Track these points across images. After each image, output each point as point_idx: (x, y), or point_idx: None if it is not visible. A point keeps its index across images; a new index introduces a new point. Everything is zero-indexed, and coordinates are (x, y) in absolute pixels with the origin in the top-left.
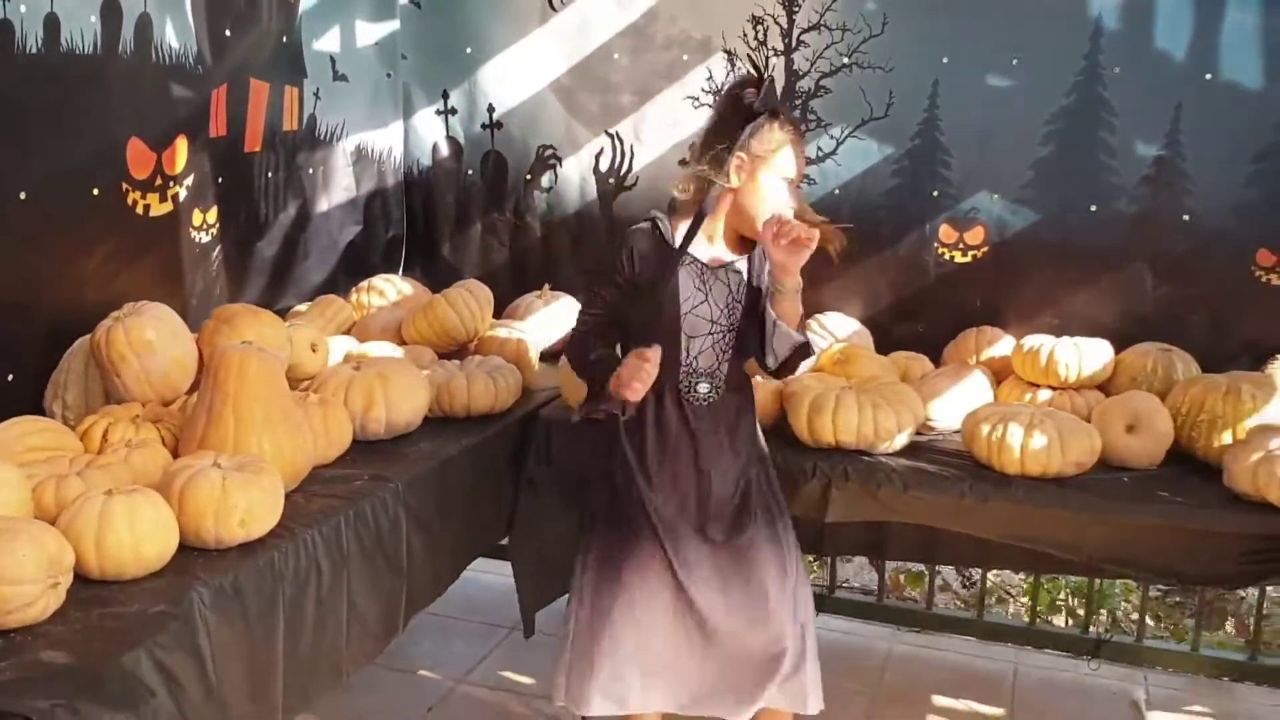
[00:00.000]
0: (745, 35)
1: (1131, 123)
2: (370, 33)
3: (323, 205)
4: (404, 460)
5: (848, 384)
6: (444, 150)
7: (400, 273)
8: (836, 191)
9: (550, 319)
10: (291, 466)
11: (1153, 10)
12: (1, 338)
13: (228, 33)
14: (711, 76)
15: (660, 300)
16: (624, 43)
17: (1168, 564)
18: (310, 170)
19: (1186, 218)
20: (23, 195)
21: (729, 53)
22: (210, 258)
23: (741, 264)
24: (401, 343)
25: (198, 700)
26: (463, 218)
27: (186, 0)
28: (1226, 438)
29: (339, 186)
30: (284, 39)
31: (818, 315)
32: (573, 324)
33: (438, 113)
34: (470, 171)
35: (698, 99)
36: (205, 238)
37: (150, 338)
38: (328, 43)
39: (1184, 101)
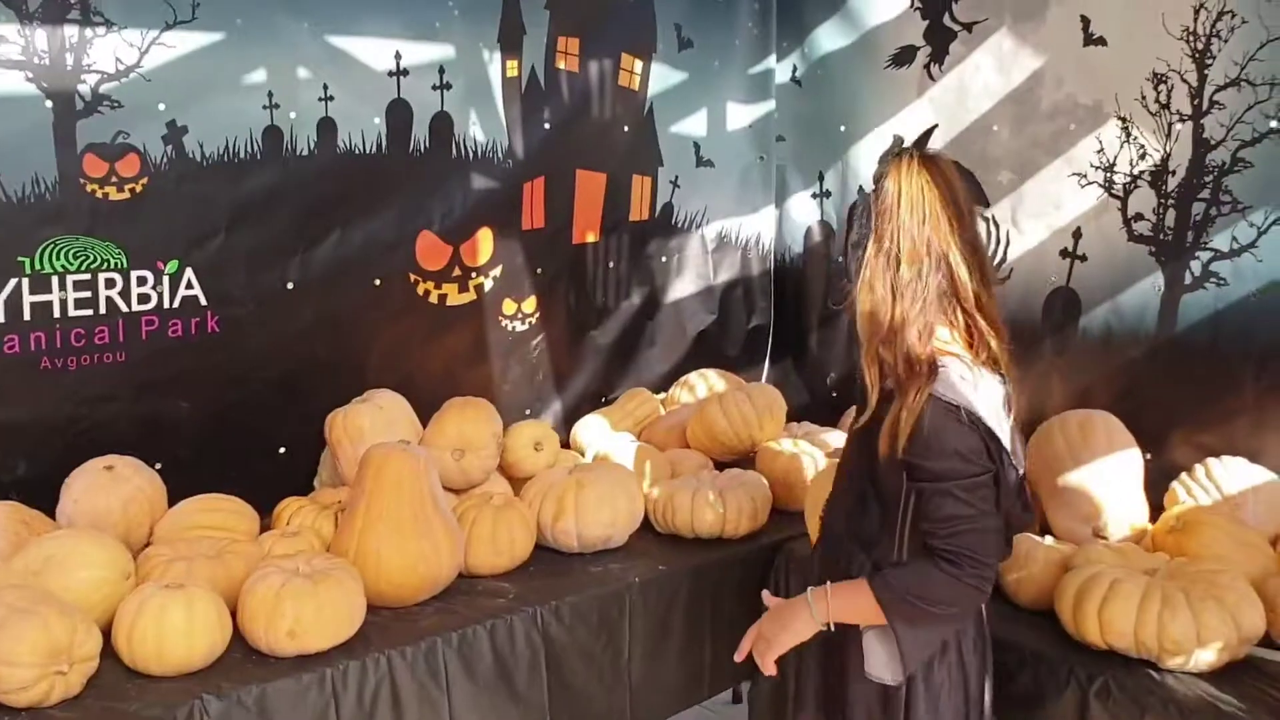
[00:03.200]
0: (1144, 98)
1: None
2: (742, 115)
3: (673, 294)
4: (578, 580)
5: (1156, 567)
6: (816, 236)
7: (766, 365)
8: (1253, 297)
9: None
10: (415, 574)
11: None
12: (273, 415)
13: (546, 126)
14: (1102, 149)
15: None
16: (1004, 112)
17: None
18: (663, 258)
19: None
20: (289, 285)
21: (1123, 120)
22: (527, 346)
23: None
24: (687, 445)
25: None
26: (830, 309)
27: (497, 96)
28: None
29: (693, 274)
30: (625, 128)
31: (1210, 459)
32: None
33: (813, 196)
34: (840, 259)
35: (1084, 176)
36: (520, 326)
37: (363, 425)
38: (691, 127)
39: None
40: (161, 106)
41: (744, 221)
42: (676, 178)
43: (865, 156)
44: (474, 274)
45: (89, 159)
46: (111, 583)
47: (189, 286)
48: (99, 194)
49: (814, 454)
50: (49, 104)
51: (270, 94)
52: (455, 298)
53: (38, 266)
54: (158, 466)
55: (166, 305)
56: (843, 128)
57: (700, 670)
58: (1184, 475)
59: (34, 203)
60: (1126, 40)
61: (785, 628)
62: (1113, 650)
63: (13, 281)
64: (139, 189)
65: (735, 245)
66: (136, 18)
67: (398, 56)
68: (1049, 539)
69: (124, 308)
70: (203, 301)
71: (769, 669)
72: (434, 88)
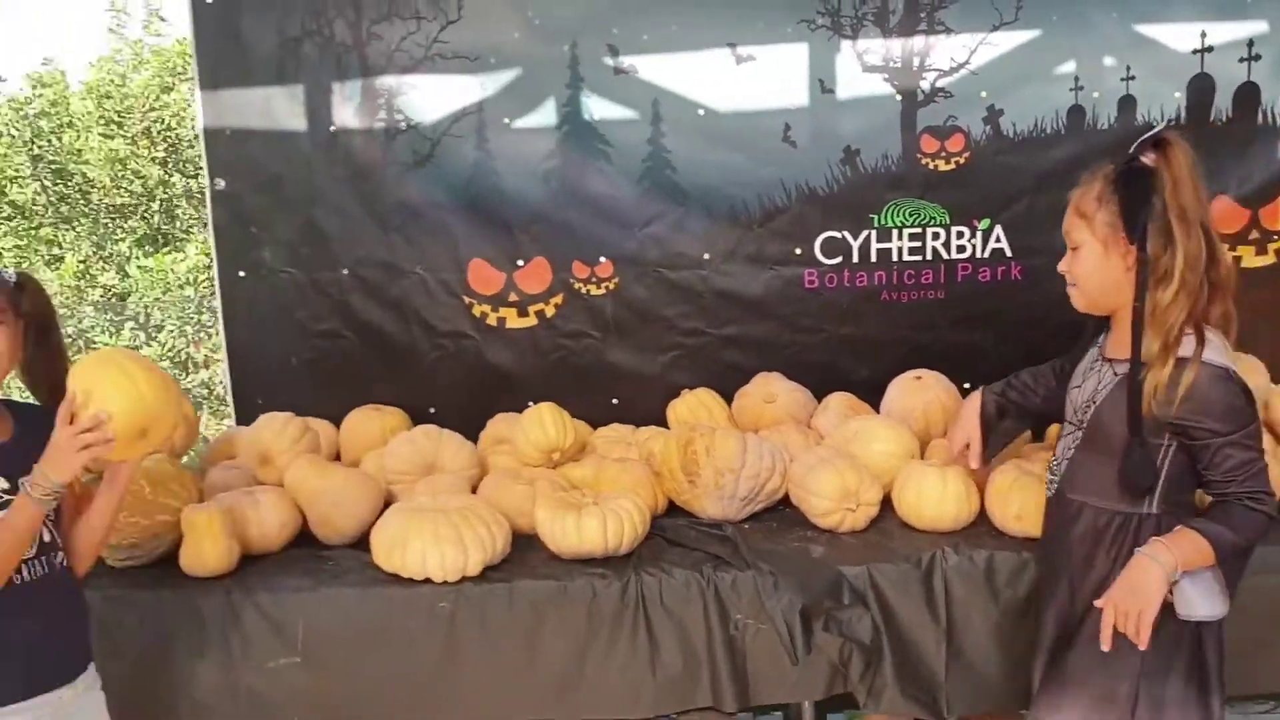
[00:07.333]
0: None
1: None
2: None
3: None
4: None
5: None
6: None
7: None
8: None
9: None
10: None
11: None
12: None
13: None
14: None
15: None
16: None
17: None
18: None
19: None
20: None
21: None
22: None
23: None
24: None
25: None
26: None
27: None
28: None
29: None
30: None
31: None
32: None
33: None
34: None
35: None
36: None
37: None
38: None
39: None
40: (983, 95)
41: None
42: None
43: None
44: (1274, 237)
45: (925, 139)
46: (898, 456)
47: (997, 240)
48: (930, 166)
49: None
50: (898, 98)
51: (1076, 78)
52: (1251, 260)
53: (882, 222)
54: (965, 386)
55: (978, 255)
56: None
57: None
58: None
59: (882, 174)
60: None
61: (1150, 595)
62: None
63: (864, 233)
64: (962, 161)
65: None
66: (969, 23)
67: (1203, 35)
68: None
69: (945, 256)
70: (1008, 253)
71: (1146, 641)
72: (1240, 60)
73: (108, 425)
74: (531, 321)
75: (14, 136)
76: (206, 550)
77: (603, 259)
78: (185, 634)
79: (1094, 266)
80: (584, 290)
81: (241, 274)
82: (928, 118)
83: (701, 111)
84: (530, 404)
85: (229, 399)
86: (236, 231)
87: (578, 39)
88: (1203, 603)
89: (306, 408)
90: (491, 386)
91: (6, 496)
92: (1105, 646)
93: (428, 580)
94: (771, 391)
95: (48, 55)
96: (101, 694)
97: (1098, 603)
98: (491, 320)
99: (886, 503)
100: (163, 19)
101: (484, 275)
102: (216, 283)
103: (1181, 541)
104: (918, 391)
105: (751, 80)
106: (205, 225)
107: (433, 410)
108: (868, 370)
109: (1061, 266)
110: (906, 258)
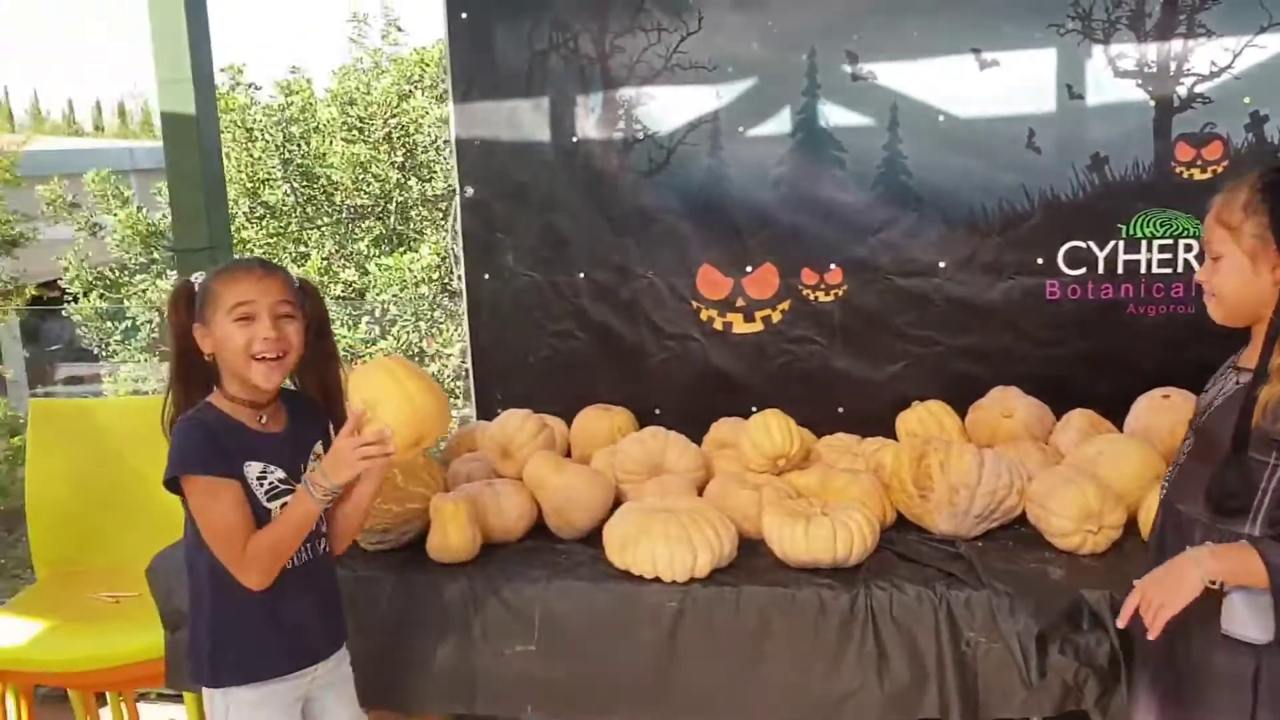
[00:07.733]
0: None
1: None
2: None
3: None
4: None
5: None
6: None
7: None
8: None
9: None
10: None
11: None
12: None
13: None
14: None
15: None
16: None
17: None
18: None
19: None
20: None
21: None
22: None
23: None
24: None
25: None
26: None
27: None
28: None
29: None
30: None
31: None
32: None
33: None
34: None
35: None
36: None
37: None
38: None
39: None
40: (1247, 100)
41: None
42: None
43: None
44: None
45: (1180, 146)
46: (1144, 478)
47: None
48: (1185, 175)
49: None
50: (1151, 104)
51: None
52: None
53: (1131, 232)
54: None
55: None
56: None
57: None
58: None
59: (1132, 182)
60: None
61: (1176, 596)
62: None
63: (1111, 243)
64: (1220, 170)
65: None
66: (1233, 25)
67: None
68: None
69: (1197, 268)
70: None
71: (1157, 632)
72: None
73: (389, 441)
74: (758, 327)
75: (268, 141)
76: (452, 537)
77: (832, 265)
78: (429, 616)
79: (1238, 280)
80: (812, 297)
81: (486, 276)
82: (1183, 124)
83: (941, 118)
84: (754, 409)
85: (470, 393)
86: (483, 236)
87: (816, 47)
88: (1253, 623)
89: (539, 403)
90: (715, 390)
91: (284, 486)
92: (1120, 623)
93: (657, 579)
94: (1009, 406)
95: (295, 64)
96: (350, 670)
97: (1135, 581)
98: (718, 325)
99: (1129, 525)
100: (400, 29)
101: (712, 280)
102: (463, 284)
103: (1233, 555)
104: (1165, 410)
105: (995, 86)
106: (437, 227)
107: (658, 411)
108: (1109, 386)
109: (1200, 276)
110: (1156, 270)
